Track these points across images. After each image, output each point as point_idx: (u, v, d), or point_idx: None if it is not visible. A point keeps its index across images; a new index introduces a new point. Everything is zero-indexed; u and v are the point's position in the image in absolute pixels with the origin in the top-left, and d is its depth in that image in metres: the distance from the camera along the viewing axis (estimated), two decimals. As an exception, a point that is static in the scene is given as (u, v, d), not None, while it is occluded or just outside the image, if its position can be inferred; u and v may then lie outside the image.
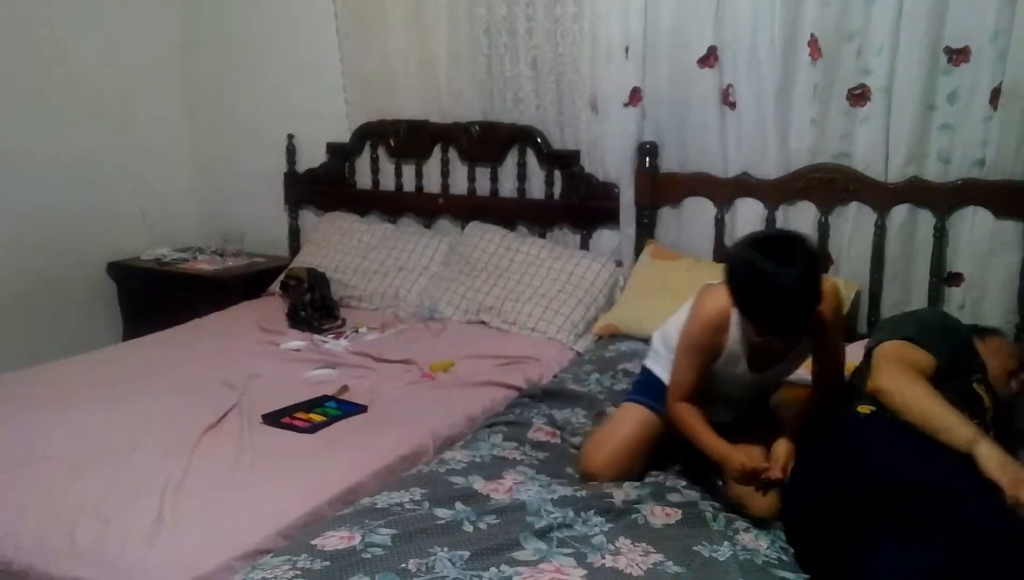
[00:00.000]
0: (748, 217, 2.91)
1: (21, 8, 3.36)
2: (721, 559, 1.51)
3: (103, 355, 2.84)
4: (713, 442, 1.77)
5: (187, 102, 4.04)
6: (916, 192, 2.66)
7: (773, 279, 1.58)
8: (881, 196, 2.70)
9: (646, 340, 2.71)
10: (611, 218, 3.13)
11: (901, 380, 1.68)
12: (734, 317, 1.78)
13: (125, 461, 1.97)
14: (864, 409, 1.71)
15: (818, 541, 1.54)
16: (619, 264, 3.13)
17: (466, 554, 1.49)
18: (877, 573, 1.38)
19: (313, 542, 1.54)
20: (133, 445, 2.04)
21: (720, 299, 1.78)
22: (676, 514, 1.66)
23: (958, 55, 2.56)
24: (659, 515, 1.65)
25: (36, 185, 3.47)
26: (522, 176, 3.32)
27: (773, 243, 1.68)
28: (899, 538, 1.40)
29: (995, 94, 2.52)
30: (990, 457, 1.51)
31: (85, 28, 3.60)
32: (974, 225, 2.62)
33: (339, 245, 3.50)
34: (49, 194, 3.52)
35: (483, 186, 3.41)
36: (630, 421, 2.00)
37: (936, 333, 1.85)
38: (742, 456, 1.70)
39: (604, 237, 3.21)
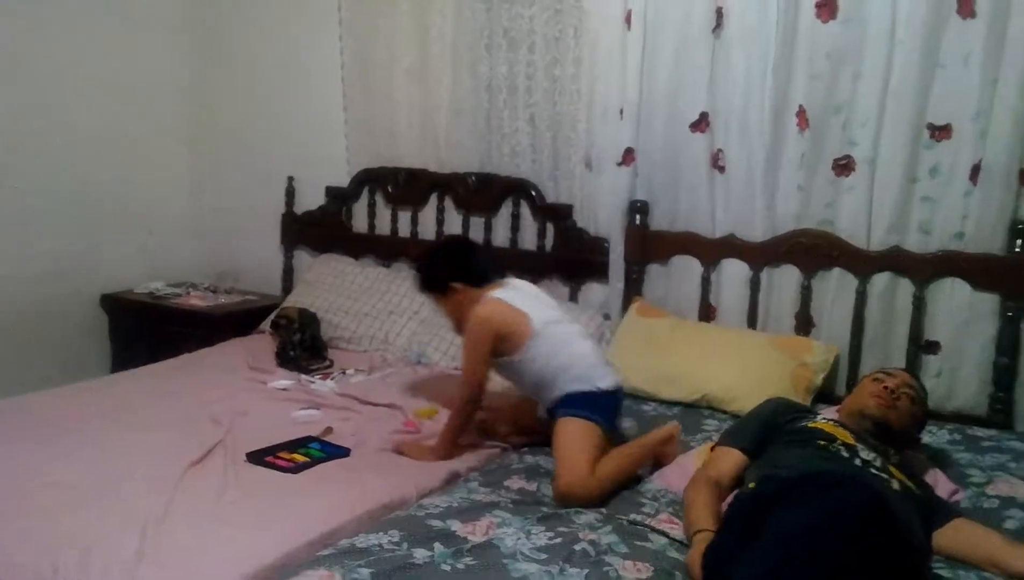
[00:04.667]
0: (733, 277, 2.98)
1: (23, 41, 3.43)
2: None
3: (90, 386, 2.86)
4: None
5: (189, 139, 4.11)
6: (897, 261, 2.73)
7: None
8: (863, 263, 2.77)
9: (630, 394, 2.78)
10: (601, 272, 3.19)
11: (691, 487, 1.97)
12: None
13: (108, 494, 1.98)
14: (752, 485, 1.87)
15: None
16: (607, 317, 3.18)
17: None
18: None
19: (292, 580, 1.56)
20: (117, 478, 2.06)
21: None
22: (647, 570, 1.69)
23: (940, 131, 2.66)
24: (631, 570, 1.68)
25: (33, 215, 3.51)
26: (516, 227, 3.39)
27: None
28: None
29: (975, 170, 2.61)
30: (690, 555, 1.70)
31: (88, 64, 3.66)
32: (952, 296, 2.69)
33: (332, 286, 3.54)
34: (46, 225, 3.56)
35: (477, 235, 3.47)
36: (578, 434, 2.18)
37: (737, 427, 2.19)
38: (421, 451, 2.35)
39: (593, 290, 3.26)
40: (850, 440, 1.98)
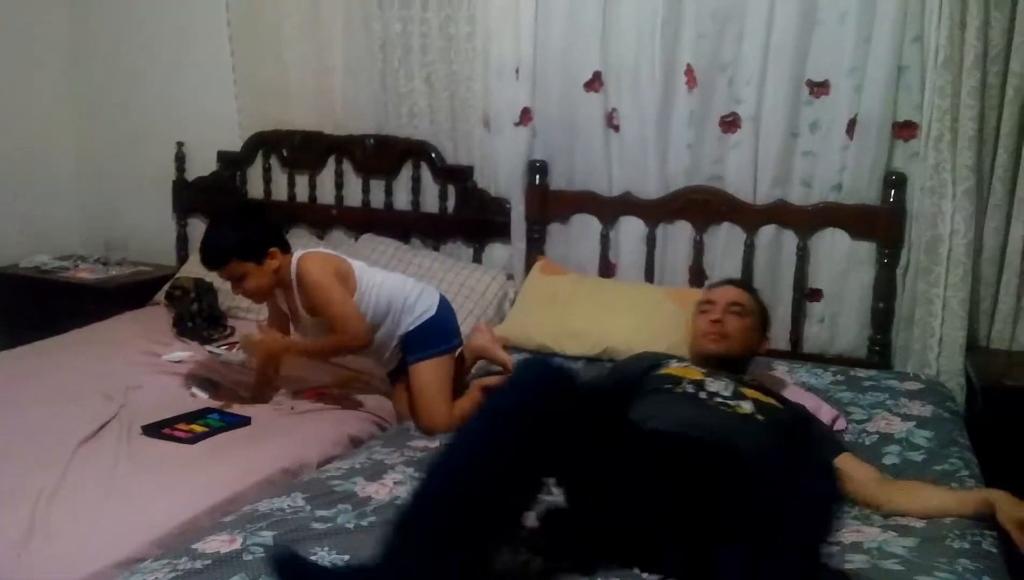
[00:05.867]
0: (631, 234, 3.05)
1: None
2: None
3: (-28, 366, 2.73)
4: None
5: (73, 105, 3.91)
6: (781, 214, 2.85)
7: None
8: (750, 217, 2.88)
9: (535, 352, 2.84)
10: (503, 233, 3.21)
11: None
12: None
13: (-6, 472, 1.91)
14: None
15: None
16: (510, 277, 3.21)
17: (346, 556, 1.53)
18: None
19: (194, 546, 1.55)
20: (5, 455, 1.99)
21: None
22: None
23: (819, 88, 2.77)
24: (529, 518, 1.71)
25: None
26: (416, 190, 3.37)
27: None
28: None
29: (851, 124, 2.73)
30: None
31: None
32: (833, 245, 2.83)
33: (229, 255, 3.45)
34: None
35: (377, 199, 3.44)
36: (431, 377, 2.39)
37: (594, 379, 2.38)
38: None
39: (496, 251, 3.29)
40: (698, 376, 2.07)
